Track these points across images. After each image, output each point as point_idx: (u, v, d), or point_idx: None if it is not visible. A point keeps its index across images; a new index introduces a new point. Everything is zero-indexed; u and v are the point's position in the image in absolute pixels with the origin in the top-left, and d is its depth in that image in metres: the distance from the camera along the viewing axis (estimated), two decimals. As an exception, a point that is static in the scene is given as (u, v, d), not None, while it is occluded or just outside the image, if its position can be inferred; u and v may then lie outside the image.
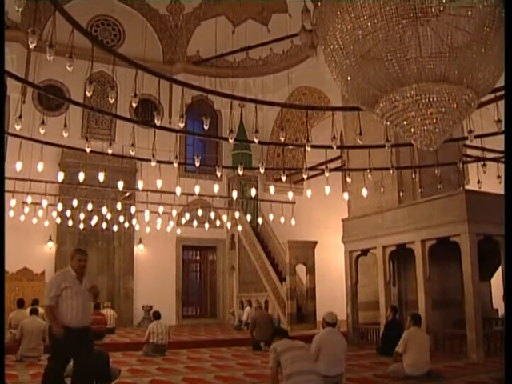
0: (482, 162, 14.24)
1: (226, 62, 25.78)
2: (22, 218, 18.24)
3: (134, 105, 8.71)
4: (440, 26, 4.12)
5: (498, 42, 4.20)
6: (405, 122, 4.36)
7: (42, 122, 11.18)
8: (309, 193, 14.57)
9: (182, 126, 9.85)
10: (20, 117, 10.57)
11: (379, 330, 13.98)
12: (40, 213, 18.82)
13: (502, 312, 13.32)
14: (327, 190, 13.94)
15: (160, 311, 13.35)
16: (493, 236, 12.32)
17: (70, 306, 6.15)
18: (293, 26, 21.39)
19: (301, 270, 20.11)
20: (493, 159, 14.55)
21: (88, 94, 8.33)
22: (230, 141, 10.27)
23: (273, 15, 24.09)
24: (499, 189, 9.29)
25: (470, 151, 16.88)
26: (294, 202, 19.55)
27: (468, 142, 12.17)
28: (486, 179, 14.54)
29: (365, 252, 15.48)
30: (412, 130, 4.35)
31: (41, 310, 11.70)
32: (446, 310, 13.76)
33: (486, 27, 4.07)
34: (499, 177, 13.30)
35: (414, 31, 4.10)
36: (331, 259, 22.14)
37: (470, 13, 4.03)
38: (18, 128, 10.61)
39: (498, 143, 10.95)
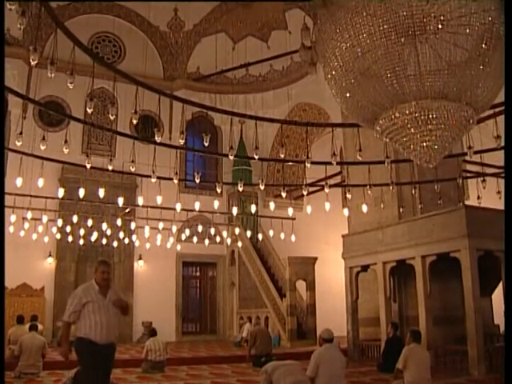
0: (482, 178, 14.26)
1: (226, 78, 25.91)
2: (22, 233, 18.23)
3: (135, 121, 8.75)
4: (438, 43, 4.15)
5: (495, 60, 4.24)
6: (404, 139, 4.38)
7: (43, 138, 11.24)
8: (309, 209, 14.58)
9: (182, 142, 9.89)
10: (21, 133, 10.63)
11: (380, 347, 13.92)
12: (40, 228, 18.81)
13: (503, 328, 13.27)
14: (327, 206, 13.95)
15: (159, 327, 13.31)
16: (493, 251, 12.30)
17: (94, 322, 5.81)
18: (292, 43, 21.52)
19: (301, 285, 20.07)
20: (492, 174, 14.57)
21: (89, 111, 8.38)
22: (230, 157, 10.30)
23: (273, 32, 24.26)
24: (499, 204, 9.32)
25: (469, 166, 16.92)
26: (294, 218, 19.54)
27: (467, 158, 12.20)
28: (486, 195, 14.56)
29: (365, 268, 15.45)
30: (411, 146, 4.37)
31: (40, 327, 11.65)
32: (446, 325, 13.71)
33: (484, 45, 4.10)
34: (499, 192, 13.33)
35: (413, 48, 4.13)
36: (331, 275, 22.09)
37: (468, 30, 4.06)
38: (18, 144, 10.65)
39: (498, 158, 10.99)
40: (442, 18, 4.08)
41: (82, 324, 5.84)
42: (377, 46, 4.09)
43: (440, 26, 4.06)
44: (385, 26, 4.02)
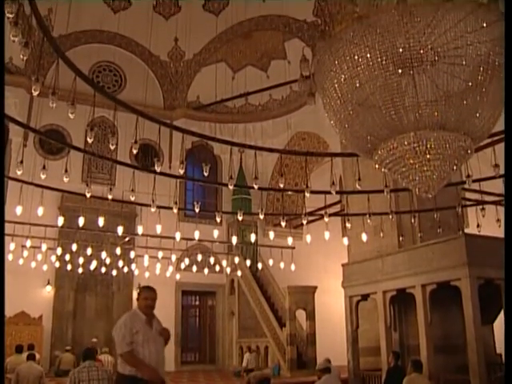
0: (481, 206, 14.28)
1: (226, 107, 26.09)
2: (21, 261, 18.18)
3: (135, 151, 8.80)
4: (436, 74, 4.20)
5: (492, 90, 4.28)
6: (403, 169, 4.41)
7: (43, 167, 11.26)
8: (308, 238, 14.56)
9: (181, 172, 9.93)
10: (21, 161, 10.66)
11: (381, 377, 13.77)
12: (39, 257, 18.77)
13: (504, 358, 13.13)
14: (327, 235, 13.95)
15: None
16: (494, 280, 12.26)
17: (142, 355, 5.15)
18: (291, 73, 21.73)
19: (301, 315, 19.95)
20: (492, 202, 14.59)
21: (89, 141, 8.43)
22: (230, 187, 10.34)
23: (272, 62, 24.51)
24: (499, 232, 9.31)
25: (468, 194, 16.93)
26: (294, 247, 19.52)
27: (466, 186, 12.24)
28: (486, 223, 14.56)
29: (365, 297, 15.38)
30: (410, 176, 4.39)
31: (37, 356, 11.53)
32: (448, 355, 13.59)
33: (481, 76, 4.15)
34: (498, 220, 13.33)
35: (411, 79, 4.18)
36: (331, 304, 21.96)
37: (464, 62, 4.12)
38: (19, 173, 10.69)
39: (497, 186, 11.04)
40: (438, 49, 4.14)
41: None
42: (375, 77, 4.14)
43: (436, 58, 4.11)
44: (383, 58, 4.07)
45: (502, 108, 4.40)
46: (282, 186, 10.79)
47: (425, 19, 4.10)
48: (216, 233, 17.05)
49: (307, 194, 10.72)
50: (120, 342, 5.19)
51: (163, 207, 12.79)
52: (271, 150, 13.85)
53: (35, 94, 6.63)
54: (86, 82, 8.26)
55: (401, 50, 4.05)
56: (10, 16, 5.54)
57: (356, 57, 4.16)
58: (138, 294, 5.58)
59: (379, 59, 4.08)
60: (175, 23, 22.82)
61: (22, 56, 6.08)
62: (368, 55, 4.11)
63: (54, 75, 7.15)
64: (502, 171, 8.93)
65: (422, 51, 4.09)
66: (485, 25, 4.09)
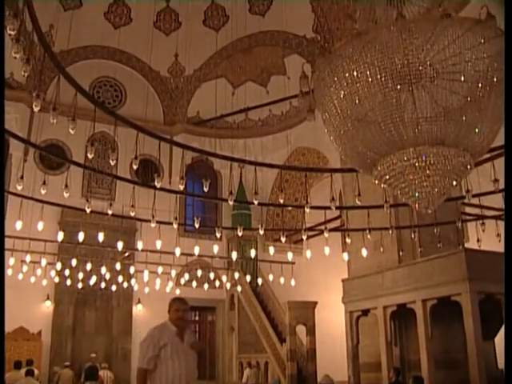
0: (481, 221, 14.27)
1: (226, 122, 26.17)
2: (20, 276, 18.12)
3: (135, 167, 8.82)
4: (435, 89, 4.23)
5: (491, 105, 4.30)
6: (403, 185, 4.42)
7: (44, 183, 11.28)
8: (308, 253, 14.56)
9: (181, 187, 9.95)
10: (22, 177, 10.68)
11: (381, 393, 13.72)
12: (38, 271, 18.72)
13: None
14: (327, 250, 13.94)
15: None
16: (494, 294, 12.24)
17: (172, 369, 4.89)
18: (291, 88, 21.82)
19: (301, 330, 19.86)
20: (492, 217, 14.58)
21: (89, 156, 8.45)
22: (230, 203, 10.35)
23: (272, 77, 24.60)
24: (499, 247, 9.31)
25: (468, 209, 16.94)
26: (294, 263, 19.47)
27: (466, 201, 12.25)
28: (486, 237, 14.54)
29: (365, 312, 15.34)
30: (410, 192, 4.41)
31: (36, 372, 11.47)
32: (449, 370, 13.53)
33: (479, 92, 4.18)
34: (498, 235, 13.32)
35: (410, 95, 4.20)
36: (332, 319, 21.86)
37: (462, 78, 4.14)
38: (19, 188, 10.71)
39: (497, 200, 11.05)
40: (437, 65, 4.17)
41: (157, 374, 4.93)
42: (374, 93, 4.17)
43: (435, 74, 4.14)
44: (382, 74, 4.10)
45: (500, 123, 4.43)
46: (281, 201, 10.81)
47: (423, 35, 4.13)
48: (216, 248, 17.02)
49: (307, 210, 10.73)
50: (141, 355, 5.02)
51: (163, 222, 12.80)
52: (271, 166, 13.89)
53: (36, 109, 6.67)
54: (87, 98, 8.30)
55: (400, 66, 4.08)
56: (12, 33, 5.59)
57: (355, 73, 4.19)
58: (169, 305, 5.41)
59: (378, 75, 4.11)
60: (175, 39, 22.96)
61: (23, 72, 6.13)
62: (367, 71, 4.14)
63: (54, 91, 7.20)
64: (501, 186, 8.96)
65: (420, 67, 4.12)
66: (483, 41, 4.12)
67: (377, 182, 4.72)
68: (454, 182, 4.50)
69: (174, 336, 5.09)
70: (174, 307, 5.33)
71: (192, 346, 5.21)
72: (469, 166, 4.51)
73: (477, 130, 4.37)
